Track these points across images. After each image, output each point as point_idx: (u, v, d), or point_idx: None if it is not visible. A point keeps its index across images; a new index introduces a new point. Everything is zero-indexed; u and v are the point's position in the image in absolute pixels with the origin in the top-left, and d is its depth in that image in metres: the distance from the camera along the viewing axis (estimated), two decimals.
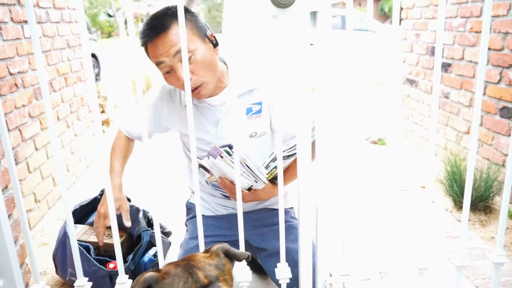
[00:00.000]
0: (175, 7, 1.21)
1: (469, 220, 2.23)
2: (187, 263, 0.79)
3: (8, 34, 2.18)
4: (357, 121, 4.29)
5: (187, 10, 1.22)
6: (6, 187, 1.40)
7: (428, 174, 1.14)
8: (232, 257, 0.85)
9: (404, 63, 3.68)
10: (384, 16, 22.16)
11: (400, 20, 3.69)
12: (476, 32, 2.59)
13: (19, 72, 2.26)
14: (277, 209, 1.45)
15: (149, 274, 0.75)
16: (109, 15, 26.78)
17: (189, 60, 1.19)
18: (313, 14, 1.08)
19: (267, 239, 1.41)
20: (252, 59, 1.47)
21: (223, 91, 1.33)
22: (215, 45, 1.26)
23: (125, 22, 24.28)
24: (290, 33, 1.05)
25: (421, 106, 3.41)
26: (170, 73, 1.22)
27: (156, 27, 1.18)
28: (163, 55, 1.19)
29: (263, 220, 1.45)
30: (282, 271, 1.18)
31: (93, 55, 6.55)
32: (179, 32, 1.17)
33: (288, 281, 1.19)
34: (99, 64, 6.83)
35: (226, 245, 0.85)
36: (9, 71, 2.16)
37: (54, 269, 1.72)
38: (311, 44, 1.06)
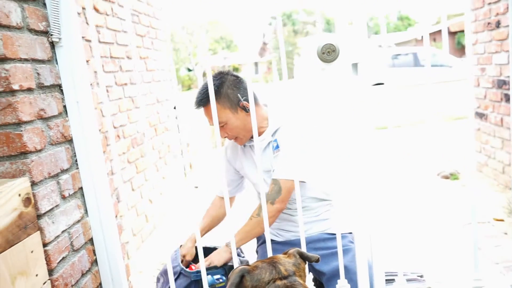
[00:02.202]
0: (220, 83, 1.55)
1: None
2: (271, 260, 1.06)
3: (113, 95, 2.67)
4: (429, 156, 4.28)
5: (224, 85, 1.55)
6: (116, 216, 1.75)
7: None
8: (305, 259, 1.11)
9: (472, 97, 3.69)
10: (462, 49, 21.38)
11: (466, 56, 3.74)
12: None
13: (120, 126, 2.73)
14: (335, 234, 1.63)
15: (243, 267, 1.02)
16: (189, 70, 29.01)
17: (223, 126, 1.56)
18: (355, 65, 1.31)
19: (328, 262, 1.57)
20: (285, 101, 1.75)
21: (263, 133, 1.62)
22: (247, 111, 1.54)
23: (203, 75, 26.15)
24: (336, 81, 1.28)
25: (492, 139, 3.37)
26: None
27: (201, 101, 1.56)
28: (207, 121, 1.60)
29: (322, 243, 1.62)
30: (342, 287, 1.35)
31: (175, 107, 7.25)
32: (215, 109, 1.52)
33: None
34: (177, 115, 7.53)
35: (300, 249, 1.11)
36: (113, 125, 2.63)
37: None
38: (379, 84, 1.29)
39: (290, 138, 1.53)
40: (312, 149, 1.57)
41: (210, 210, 1.80)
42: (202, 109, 1.61)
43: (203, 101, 1.56)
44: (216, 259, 1.58)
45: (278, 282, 1.00)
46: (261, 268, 1.02)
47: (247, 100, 1.56)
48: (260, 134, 1.60)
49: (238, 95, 1.55)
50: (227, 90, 1.55)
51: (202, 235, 1.73)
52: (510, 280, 1.30)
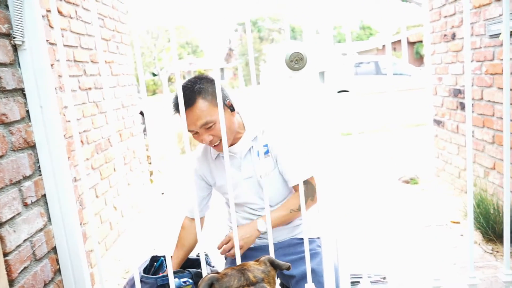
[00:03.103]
0: (201, 82, 1.47)
1: (497, 251, 2.30)
2: (241, 267, 1.06)
3: (76, 99, 2.60)
4: (390, 162, 4.42)
5: (210, 83, 1.49)
6: (81, 223, 1.70)
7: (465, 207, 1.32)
8: (276, 267, 1.11)
9: (431, 106, 3.85)
10: (420, 59, 22.24)
11: (424, 65, 3.90)
12: (491, 74, 2.77)
13: (84, 131, 2.66)
14: (303, 238, 1.66)
15: (212, 274, 1.02)
16: (154, 74, 28.61)
17: (210, 127, 1.45)
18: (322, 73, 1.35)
19: (298, 266, 1.60)
20: (262, 106, 1.75)
21: (241, 139, 1.60)
22: (232, 110, 1.53)
23: (168, 80, 25.86)
24: (303, 89, 1.31)
25: (449, 145, 3.53)
26: (197, 134, 1.51)
27: (189, 100, 1.42)
28: (191, 125, 1.46)
29: (292, 248, 1.64)
30: None
31: (141, 113, 7.14)
32: (203, 107, 1.45)
33: None
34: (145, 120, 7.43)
35: (271, 257, 1.12)
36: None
37: None
38: (343, 91, 1.33)
39: (287, 139, 1.54)
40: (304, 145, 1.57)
41: (182, 238, 1.71)
42: (177, 115, 1.50)
43: (191, 100, 1.43)
44: (245, 238, 1.55)
45: None
46: (230, 276, 1.03)
47: (229, 100, 1.54)
48: (236, 140, 1.59)
49: (225, 93, 1.51)
50: (212, 89, 1.47)
51: (178, 266, 1.67)
52: (466, 279, 1.37)
